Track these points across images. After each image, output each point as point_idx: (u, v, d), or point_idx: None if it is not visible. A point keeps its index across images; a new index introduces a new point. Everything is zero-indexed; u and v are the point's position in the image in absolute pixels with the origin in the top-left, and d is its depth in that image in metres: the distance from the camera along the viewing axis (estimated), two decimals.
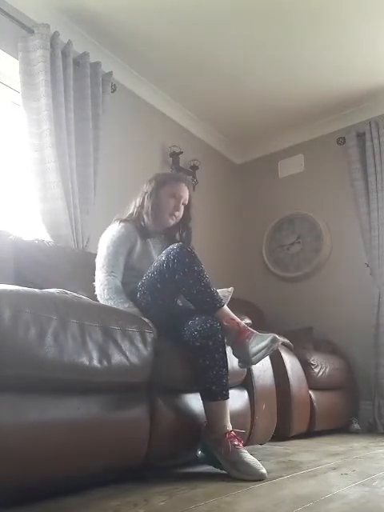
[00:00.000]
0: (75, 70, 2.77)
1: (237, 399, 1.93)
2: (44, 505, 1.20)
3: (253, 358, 1.61)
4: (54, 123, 2.54)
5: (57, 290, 1.53)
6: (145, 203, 2.03)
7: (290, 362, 2.84)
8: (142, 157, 3.39)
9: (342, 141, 3.87)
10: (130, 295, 1.82)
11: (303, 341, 3.42)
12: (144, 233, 2.00)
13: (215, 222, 4.09)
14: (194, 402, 1.69)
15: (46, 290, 1.46)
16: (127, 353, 1.40)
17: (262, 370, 2.13)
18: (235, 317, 1.69)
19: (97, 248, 2.63)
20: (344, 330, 3.64)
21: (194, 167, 3.73)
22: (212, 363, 1.60)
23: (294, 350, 2.99)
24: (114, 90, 3.06)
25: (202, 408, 1.65)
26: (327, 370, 3.14)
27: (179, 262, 1.66)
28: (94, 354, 1.30)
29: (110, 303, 1.76)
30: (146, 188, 2.07)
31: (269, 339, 1.59)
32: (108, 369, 1.34)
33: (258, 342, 1.60)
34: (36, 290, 1.33)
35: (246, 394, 2.01)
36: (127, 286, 1.87)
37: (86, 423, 1.29)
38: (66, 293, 1.54)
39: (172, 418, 1.58)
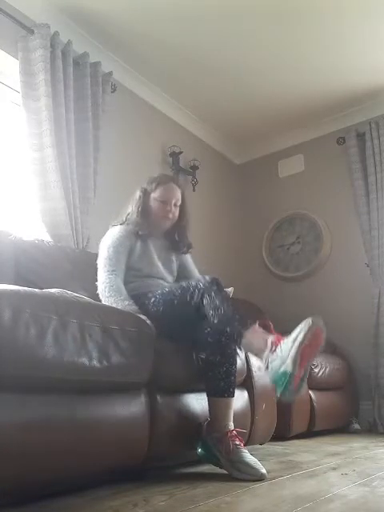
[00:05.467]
0: (75, 70, 2.77)
1: (237, 399, 1.92)
2: (44, 505, 1.20)
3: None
4: (54, 123, 2.54)
5: (57, 290, 1.53)
6: (136, 212, 2.07)
7: None
8: (142, 157, 3.39)
9: (341, 141, 3.87)
10: (131, 293, 1.84)
11: None
12: (141, 236, 2.04)
13: (215, 221, 4.09)
14: (194, 401, 1.69)
15: (46, 289, 1.46)
16: (127, 353, 1.40)
17: (262, 369, 2.13)
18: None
19: (97, 248, 2.64)
20: (344, 330, 3.63)
21: (194, 167, 3.73)
22: (223, 359, 1.61)
23: None
24: (113, 90, 3.06)
25: (202, 408, 1.65)
26: (327, 370, 3.14)
27: (207, 296, 1.62)
28: (94, 354, 1.30)
29: (110, 301, 1.78)
30: (137, 196, 2.11)
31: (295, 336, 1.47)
32: (108, 369, 1.34)
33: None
34: (36, 290, 1.33)
35: (246, 394, 2.01)
36: (128, 285, 1.90)
37: (86, 423, 1.29)
38: (66, 293, 1.54)
39: (172, 417, 1.58)
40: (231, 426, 1.61)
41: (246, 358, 2.02)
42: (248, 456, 1.55)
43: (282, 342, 1.50)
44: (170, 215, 2.08)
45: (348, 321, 3.66)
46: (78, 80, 2.78)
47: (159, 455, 1.56)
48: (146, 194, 2.10)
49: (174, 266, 2.17)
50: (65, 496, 1.27)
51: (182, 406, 1.65)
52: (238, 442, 1.57)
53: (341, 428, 3.27)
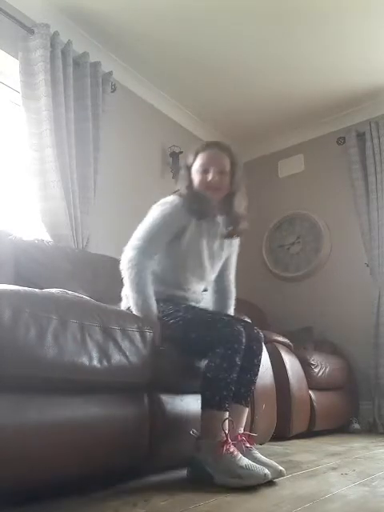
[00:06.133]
0: (75, 70, 2.77)
1: None
2: (44, 505, 1.20)
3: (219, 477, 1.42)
4: (54, 123, 2.54)
5: (57, 289, 1.53)
6: (183, 185, 1.83)
7: (290, 361, 2.84)
8: (142, 157, 3.39)
9: (342, 141, 3.87)
10: (160, 295, 1.71)
11: (303, 341, 3.42)
12: (197, 213, 1.76)
13: None
14: (194, 401, 1.68)
15: (46, 289, 1.46)
16: (127, 353, 1.40)
17: (262, 370, 2.12)
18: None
19: (96, 248, 2.63)
20: (344, 330, 3.64)
21: None
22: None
23: (294, 350, 2.99)
24: (113, 90, 3.06)
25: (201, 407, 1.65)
26: (327, 369, 3.14)
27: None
28: (94, 354, 1.30)
29: (130, 289, 1.65)
30: (181, 175, 1.89)
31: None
32: (108, 369, 1.34)
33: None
34: (36, 289, 1.33)
35: None
36: (161, 278, 1.75)
37: (86, 423, 1.29)
38: (67, 293, 1.54)
39: (172, 417, 1.58)
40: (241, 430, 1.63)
41: None
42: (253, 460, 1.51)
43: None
44: (215, 184, 1.77)
45: (348, 321, 3.66)
46: (78, 80, 2.78)
47: (159, 455, 1.56)
48: (188, 169, 1.84)
49: (219, 265, 1.94)
50: (65, 496, 1.27)
51: (182, 406, 1.65)
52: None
53: (341, 428, 3.27)
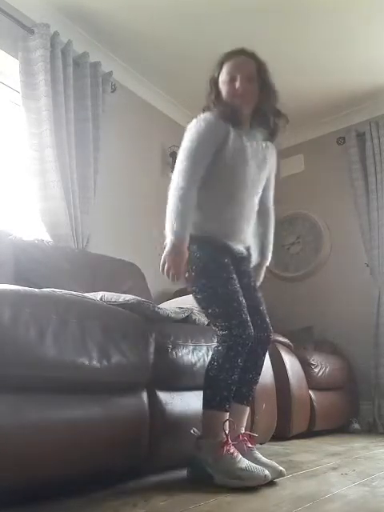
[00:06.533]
0: (75, 70, 2.77)
1: None
2: (44, 505, 1.20)
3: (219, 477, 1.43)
4: (54, 123, 2.54)
5: (57, 289, 1.53)
6: (209, 99, 1.74)
7: (290, 361, 2.84)
8: (142, 157, 3.39)
9: (341, 141, 3.87)
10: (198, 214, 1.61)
11: (303, 341, 3.42)
12: (232, 119, 1.66)
13: None
14: (194, 401, 1.68)
15: (46, 289, 1.46)
16: (127, 352, 1.40)
17: (262, 369, 2.13)
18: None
19: (96, 248, 2.63)
20: (344, 330, 3.63)
21: None
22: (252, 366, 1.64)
23: (294, 350, 2.99)
24: (113, 90, 3.06)
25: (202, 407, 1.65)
26: (327, 370, 3.14)
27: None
28: (94, 354, 1.30)
29: (172, 213, 1.57)
30: (207, 90, 1.77)
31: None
32: (108, 369, 1.34)
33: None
34: (36, 289, 1.33)
35: None
36: (203, 206, 1.63)
37: (86, 423, 1.29)
38: (67, 292, 1.53)
39: (172, 417, 1.58)
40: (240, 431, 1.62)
41: None
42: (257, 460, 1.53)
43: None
44: (241, 93, 1.67)
45: (348, 321, 3.66)
46: (78, 80, 2.78)
47: (159, 455, 1.56)
48: (214, 82, 1.73)
49: (263, 182, 1.82)
50: (65, 496, 1.27)
51: (183, 405, 1.65)
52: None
53: (341, 428, 3.27)
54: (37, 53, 2.54)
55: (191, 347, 1.71)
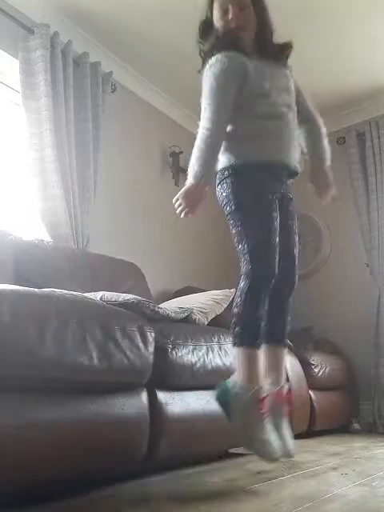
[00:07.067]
0: (75, 70, 2.77)
1: None
2: (44, 505, 1.20)
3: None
4: (54, 123, 2.54)
5: (57, 289, 1.53)
6: (209, 42, 1.75)
7: (290, 361, 2.83)
8: (142, 157, 3.39)
9: (341, 141, 3.87)
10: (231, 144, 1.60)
11: (303, 341, 3.42)
12: (242, 48, 1.62)
13: (216, 221, 4.09)
14: (194, 401, 1.69)
15: (46, 289, 1.46)
16: (127, 352, 1.40)
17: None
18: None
19: (96, 248, 2.62)
20: (344, 330, 3.63)
21: None
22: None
23: (294, 350, 2.98)
24: (113, 90, 3.06)
25: (202, 407, 1.65)
26: (327, 369, 3.14)
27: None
28: (94, 354, 1.30)
29: (195, 155, 1.58)
30: (201, 22, 1.79)
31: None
32: (108, 369, 1.34)
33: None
34: (36, 289, 1.33)
35: None
36: (235, 134, 1.60)
37: (86, 423, 1.29)
38: (67, 292, 1.53)
39: (172, 417, 1.58)
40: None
41: None
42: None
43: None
44: (236, 23, 1.62)
45: (348, 321, 3.66)
46: (78, 80, 2.78)
47: (159, 455, 1.56)
48: (208, 23, 1.75)
49: (292, 89, 1.74)
50: (65, 496, 1.27)
51: (183, 405, 1.65)
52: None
53: (341, 428, 3.27)
54: (37, 53, 2.54)
55: (191, 347, 1.71)
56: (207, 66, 1.64)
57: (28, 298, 1.23)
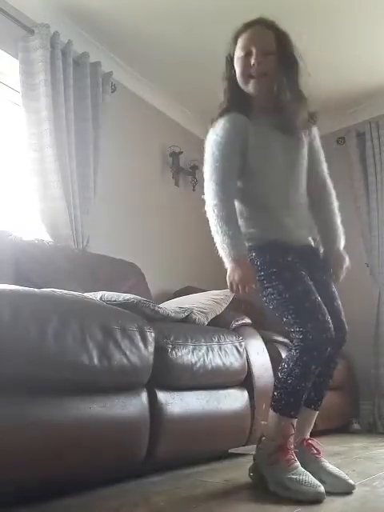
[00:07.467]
0: (75, 70, 2.77)
1: (237, 399, 1.93)
2: (44, 505, 1.20)
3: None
4: (54, 123, 2.54)
5: (57, 289, 1.53)
6: (227, 88, 1.64)
7: None
8: (142, 157, 3.39)
9: (341, 141, 3.87)
10: (244, 223, 1.52)
11: None
12: (247, 110, 1.55)
13: None
14: (194, 401, 1.69)
15: (46, 289, 1.46)
16: (127, 352, 1.40)
17: (262, 369, 2.13)
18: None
19: (96, 248, 2.62)
20: None
21: (194, 167, 3.72)
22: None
23: None
24: (113, 90, 3.06)
25: (202, 407, 1.65)
26: None
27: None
28: (94, 354, 1.30)
29: (219, 233, 1.47)
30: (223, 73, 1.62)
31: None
32: (108, 369, 1.34)
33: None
34: (36, 289, 1.33)
35: (246, 393, 2.01)
36: (246, 213, 1.53)
37: (86, 423, 1.29)
38: (67, 292, 1.53)
39: (172, 417, 1.58)
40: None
41: (247, 357, 2.02)
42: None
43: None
44: (254, 70, 1.50)
45: (348, 321, 3.62)
46: (78, 80, 2.78)
47: (159, 455, 1.56)
48: (229, 61, 1.61)
49: (304, 163, 1.64)
50: (65, 496, 1.27)
51: (182, 405, 1.65)
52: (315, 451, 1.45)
53: (341, 428, 3.27)
54: (37, 53, 2.54)
55: (191, 347, 1.71)
56: (211, 131, 1.57)
57: (28, 298, 1.23)
